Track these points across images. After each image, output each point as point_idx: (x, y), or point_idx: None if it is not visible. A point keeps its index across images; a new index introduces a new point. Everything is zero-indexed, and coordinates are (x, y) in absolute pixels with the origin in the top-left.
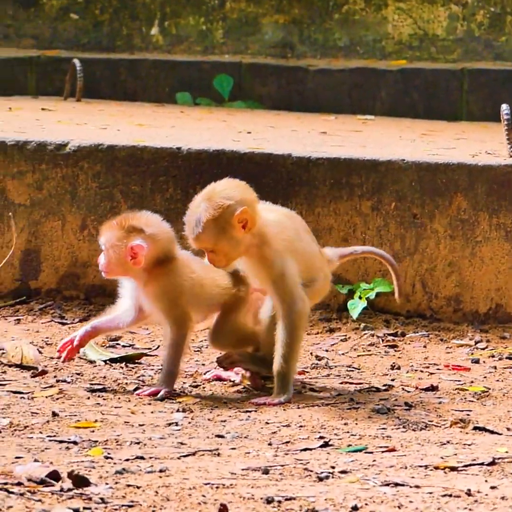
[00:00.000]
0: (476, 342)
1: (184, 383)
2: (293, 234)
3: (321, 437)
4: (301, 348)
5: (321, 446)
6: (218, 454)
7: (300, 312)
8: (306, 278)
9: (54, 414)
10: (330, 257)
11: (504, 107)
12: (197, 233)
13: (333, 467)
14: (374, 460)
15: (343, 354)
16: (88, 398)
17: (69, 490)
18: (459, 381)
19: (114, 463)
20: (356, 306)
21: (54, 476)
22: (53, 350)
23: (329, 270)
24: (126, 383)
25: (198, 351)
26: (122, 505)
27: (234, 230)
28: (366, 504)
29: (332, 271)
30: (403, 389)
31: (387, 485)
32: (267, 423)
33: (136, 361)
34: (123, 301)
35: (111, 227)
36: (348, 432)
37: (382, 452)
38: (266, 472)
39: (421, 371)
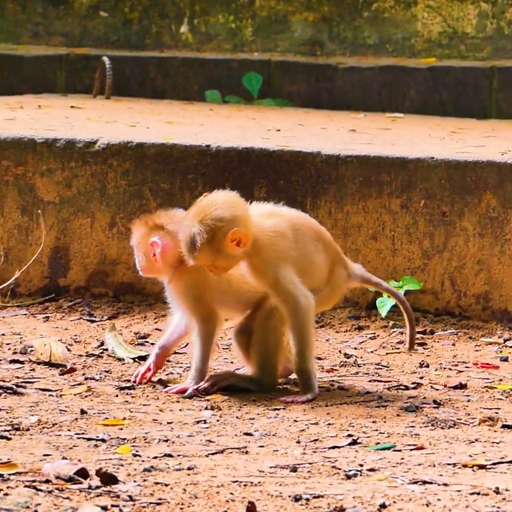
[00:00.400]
0: (505, 340)
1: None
2: (288, 243)
3: (349, 435)
4: (314, 342)
5: (349, 444)
6: (246, 452)
7: (305, 309)
8: (306, 287)
9: (83, 412)
10: (352, 274)
11: None
12: (194, 255)
13: (361, 465)
14: (402, 458)
15: (371, 352)
16: (117, 395)
17: (97, 487)
18: (487, 379)
19: (142, 461)
20: (385, 304)
21: (82, 473)
22: (82, 347)
23: (345, 283)
24: (154, 381)
25: (226, 348)
26: (150, 503)
27: (228, 248)
28: (394, 502)
29: (347, 286)
30: (431, 387)
31: (415, 483)
32: (295, 421)
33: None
34: (175, 312)
35: (137, 225)
36: (376, 430)
37: (411, 450)
38: (294, 470)
39: (450, 369)
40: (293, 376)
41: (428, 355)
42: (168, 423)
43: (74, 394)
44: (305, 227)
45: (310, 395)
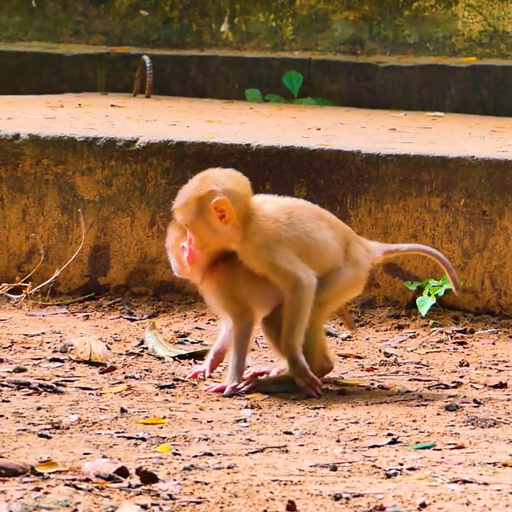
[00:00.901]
0: None
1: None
2: (281, 225)
3: (389, 434)
4: (306, 322)
5: (389, 443)
6: (286, 451)
7: (305, 285)
8: (317, 268)
9: (123, 411)
10: (371, 248)
11: None
12: (179, 204)
13: (401, 464)
14: (442, 457)
15: (411, 351)
16: (157, 394)
17: (137, 486)
18: None
19: (182, 460)
20: (425, 303)
21: (122, 472)
22: (122, 346)
23: (366, 259)
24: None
25: (267, 347)
26: (190, 502)
27: (210, 216)
28: (434, 501)
29: (372, 262)
30: (471, 386)
31: (455, 482)
32: (335, 420)
33: (205, 357)
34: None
35: (171, 228)
36: (416, 429)
37: (451, 449)
38: (334, 468)
39: (490, 368)
40: (331, 374)
41: (468, 354)
42: (208, 422)
43: (114, 393)
44: (301, 209)
45: (296, 370)
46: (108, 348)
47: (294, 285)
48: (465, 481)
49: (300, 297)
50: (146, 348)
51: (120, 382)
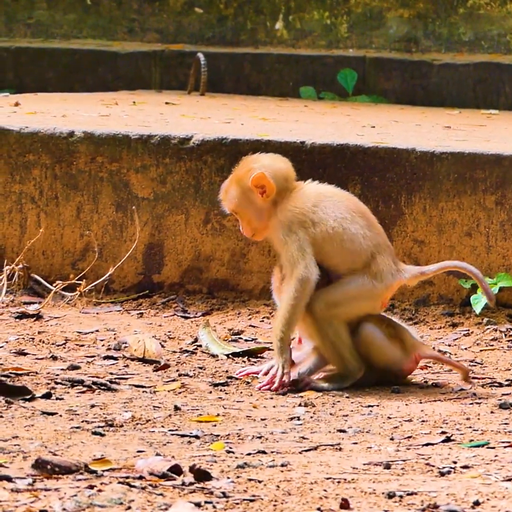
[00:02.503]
0: None
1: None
2: (310, 207)
3: (443, 432)
4: (295, 316)
5: (443, 441)
6: (340, 449)
7: (301, 277)
8: (336, 257)
9: (176, 408)
10: (402, 269)
11: None
12: (222, 192)
13: (455, 462)
14: (496, 455)
15: (465, 349)
16: (210, 392)
17: (191, 484)
18: None
19: (236, 457)
20: (479, 301)
21: (176, 470)
22: (176, 344)
23: (391, 276)
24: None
25: None
26: (244, 500)
27: (253, 194)
28: (487, 499)
29: (398, 282)
30: None
31: (509, 480)
32: (389, 418)
33: (259, 355)
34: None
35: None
36: (470, 427)
37: (504, 447)
38: (387, 467)
39: None
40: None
41: None
42: (261, 419)
43: (168, 391)
44: (342, 198)
45: (279, 365)
46: (162, 346)
47: (291, 274)
48: None
49: (294, 287)
50: (200, 346)
51: (173, 380)
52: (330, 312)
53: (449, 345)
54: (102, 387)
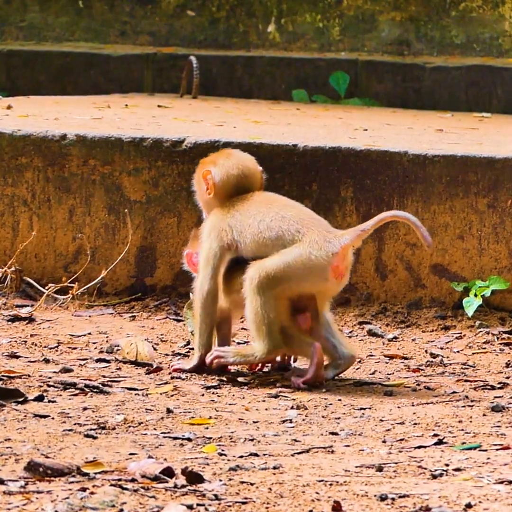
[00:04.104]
0: None
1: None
2: (232, 214)
3: (435, 435)
4: (206, 325)
5: (435, 444)
6: (332, 451)
7: (198, 287)
8: (262, 248)
9: (169, 411)
10: (340, 235)
11: None
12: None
13: (447, 465)
14: (488, 458)
15: (458, 351)
16: (203, 395)
17: (183, 486)
18: None
19: (228, 460)
20: (471, 304)
21: (168, 472)
22: (168, 346)
23: (327, 242)
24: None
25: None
26: (236, 502)
27: (201, 185)
28: (480, 502)
29: (343, 248)
30: None
31: (501, 483)
32: (381, 420)
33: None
34: None
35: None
36: (462, 430)
37: (497, 450)
38: (380, 469)
39: None
40: (377, 375)
41: None
42: (254, 422)
43: (160, 393)
44: (261, 197)
45: (191, 364)
46: (155, 349)
47: (196, 280)
48: (511, 482)
49: (196, 295)
50: (192, 349)
51: (166, 383)
52: (269, 281)
53: (441, 348)
54: (95, 390)
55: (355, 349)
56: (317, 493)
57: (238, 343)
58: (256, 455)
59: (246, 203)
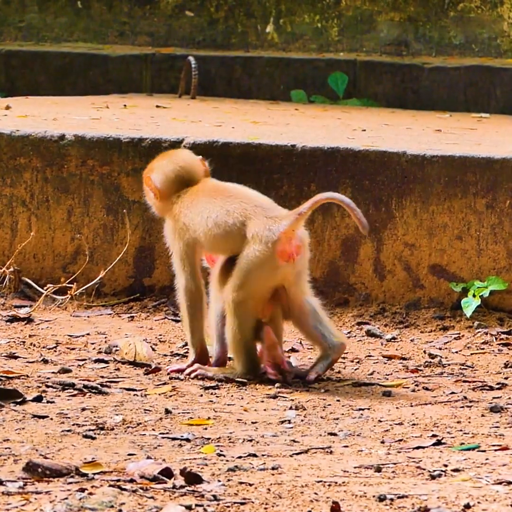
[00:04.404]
0: None
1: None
2: (184, 213)
3: (433, 435)
4: (197, 322)
5: (433, 444)
6: (331, 452)
7: (183, 288)
8: (215, 246)
9: (167, 411)
10: (278, 221)
11: None
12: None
13: (445, 466)
14: (486, 459)
15: (456, 352)
16: (201, 395)
17: (182, 487)
18: None
19: (227, 461)
20: (469, 304)
21: (167, 473)
22: (166, 347)
23: (268, 232)
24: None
25: (310, 349)
26: (234, 502)
27: (149, 194)
28: (478, 502)
29: (285, 234)
30: None
31: (500, 483)
32: (379, 421)
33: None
34: None
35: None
36: (461, 430)
37: (495, 450)
38: (378, 470)
39: None
40: (375, 376)
41: None
42: (252, 423)
43: (159, 394)
44: (204, 189)
45: (189, 364)
46: (153, 349)
47: (178, 283)
48: (509, 482)
49: (182, 298)
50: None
51: (164, 383)
52: (238, 295)
53: (440, 349)
54: (93, 391)
55: (343, 336)
56: (315, 493)
57: None
58: (254, 455)
59: (193, 198)
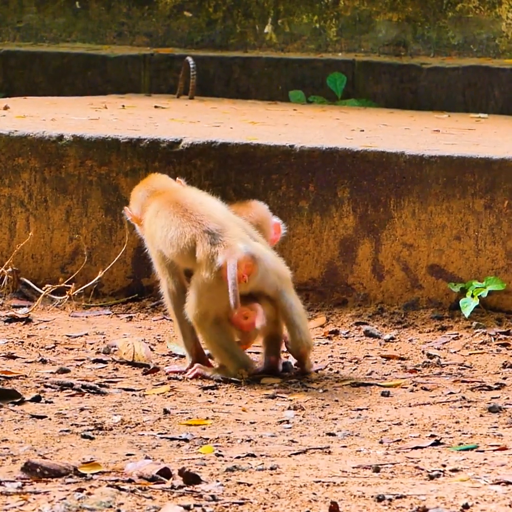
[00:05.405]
0: None
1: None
2: (148, 223)
3: (432, 436)
4: (184, 325)
5: (432, 445)
6: (329, 452)
7: (166, 290)
8: (180, 263)
9: (166, 412)
10: (224, 247)
11: None
12: None
13: (444, 466)
14: (485, 459)
15: (455, 352)
16: (200, 395)
17: (180, 487)
18: None
19: (225, 461)
20: (468, 305)
21: (165, 473)
22: (165, 347)
23: (212, 259)
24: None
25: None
26: (233, 503)
27: (134, 224)
28: (477, 503)
29: (239, 261)
30: None
31: (498, 483)
32: (378, 421)
33: None
34: None
35: None
36: (459, 430)
37: (494, 450)
38: (377, 470)
39: None
40: (374, 376)
41: (511, 356)
42: (251, 423)
43: (157, 394)
44: (165, 200)
45: (186, 367)
46: (152, 349)
47: (161, 287)
48: (508, 483)
49: (166, 300)
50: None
51: (163, 383)
52: (196, 314)
53: (438, 349)
54: (92, 391)
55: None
56: (314, 493)
57: None
58: (253, 455)
59: (158, 209)
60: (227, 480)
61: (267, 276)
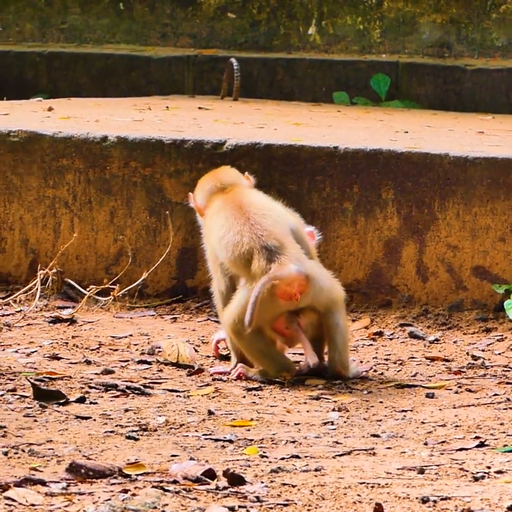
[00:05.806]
0: None
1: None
2: (208, 223)
3: (477, 437)
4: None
5: (477, 446)
6: (374, 454)
7: (216, 290)
8: (233, 270)
9: (210, 413)
10: (278, 265)
11: None
12: None
13: (489, 467)
14: None
15: (499, 354)
16: (244, 397)
17: (225, 488)
18: None
19: (270, 462)
20: None
21: (210, 474)
22: (209, 348)
23: (265, 275)
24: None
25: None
26: (277, 504)
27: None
28: None
29: (289, 281)
30: None
31: None
32: (422, 422)
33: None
34: None
35: None
36: (504, 432)
37: None
38: (421, 471)
39: None
40: (418, 377)
41: None
42: (295, 424)
43: (202, 395)
44: (227, 204)
45: (231, 366)
46: (196, 351)
47: (212, 285)
48: None
49: (216, 299)
50: None
51: (207, 384)
52: (235, 324)
53: (483, 351)
54: (136, 392)
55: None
56: (358, 495)
57: None
58: (297, 457)
59: (220, 207)
60: (271, 481)
61: (319, 296)
